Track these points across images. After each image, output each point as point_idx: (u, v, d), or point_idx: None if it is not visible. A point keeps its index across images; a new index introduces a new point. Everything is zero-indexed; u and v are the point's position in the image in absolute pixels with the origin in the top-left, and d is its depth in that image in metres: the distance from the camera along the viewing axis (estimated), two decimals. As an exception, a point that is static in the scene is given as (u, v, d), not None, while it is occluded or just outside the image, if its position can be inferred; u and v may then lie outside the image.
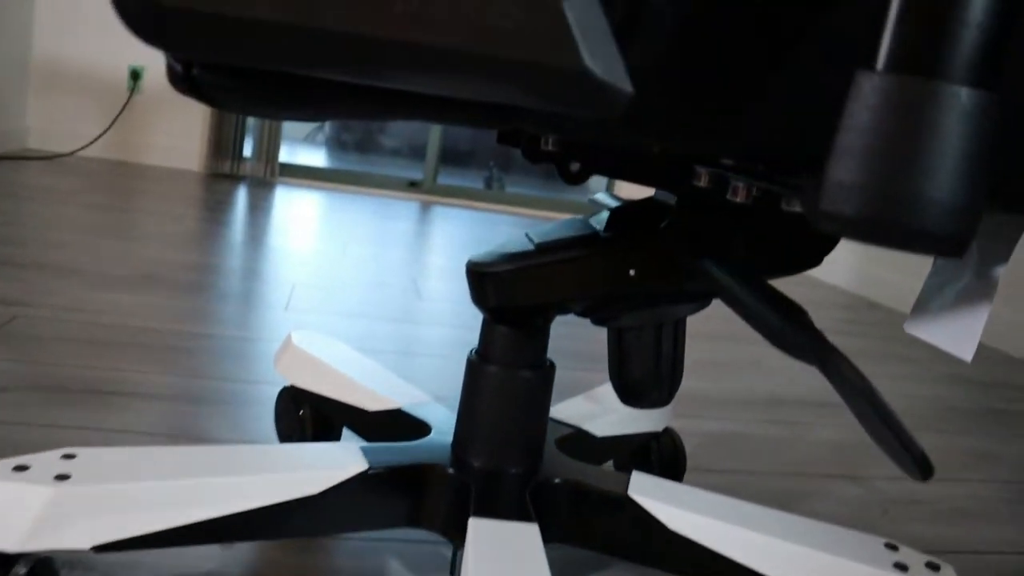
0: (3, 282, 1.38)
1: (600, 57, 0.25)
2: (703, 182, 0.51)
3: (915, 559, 0.59)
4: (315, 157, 5.52)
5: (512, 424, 0.60)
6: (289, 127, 6.08)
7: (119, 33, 3.00)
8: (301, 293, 1.62)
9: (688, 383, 1.39)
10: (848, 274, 2.71)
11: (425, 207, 3.32)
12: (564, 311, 0.59)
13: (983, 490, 1.10)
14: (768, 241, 0.53)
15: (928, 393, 1.56)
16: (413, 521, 0.60)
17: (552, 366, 0.62)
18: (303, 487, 0.57)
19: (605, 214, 0.58)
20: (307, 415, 0.85)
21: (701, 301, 0.58)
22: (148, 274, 1.58)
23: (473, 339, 1.49)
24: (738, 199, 0.46)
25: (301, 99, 0.39)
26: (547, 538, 0.62)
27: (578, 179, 0.56)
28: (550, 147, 0.55)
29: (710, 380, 1.42)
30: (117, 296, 1.40)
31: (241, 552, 0.70)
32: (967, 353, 0.59)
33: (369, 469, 0.58)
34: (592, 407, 0.79)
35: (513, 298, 0.58)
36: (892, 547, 0.60)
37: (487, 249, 0.61)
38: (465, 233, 2.83)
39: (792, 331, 0.44)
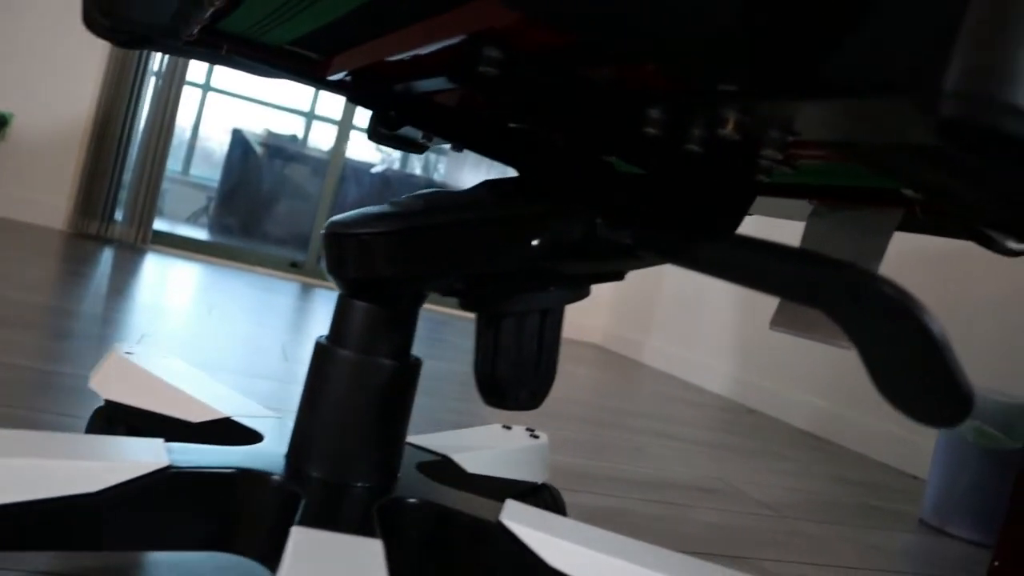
0: None
1: None
2: (655, 128, 0.42)
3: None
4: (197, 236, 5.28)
5: (365, 424, 0.49)
6: (173, 204, 5.85)
7: (-11, 76, 2.81)
8: (150, 342, 1.45)
9: (569, 459, 1.29)
10: (727, 382, 2.71)
11: (306, 288, 3.17)
12: (438, 289, 0.50)
13: (872, 579, 1.04)
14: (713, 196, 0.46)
15: (811, 487, 1.52)
16: (223, 542, 0.47)
17: (418, 361, 0.52)
18: (76, 482, 0.43)
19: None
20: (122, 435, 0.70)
21: (586, 286, 0.50)
22: (-29, 308, 1.38)
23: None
24: (726, 131, 0.37)
25: None
26: (400, 568, 0.50)
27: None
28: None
29: (591, 459, 1.33)
30: (-75, 323, 1.21)
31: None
32: (844, 342, 0.53)
33: (170, 467, 0.46)
34: (465, 441, 0.68)
35: (380, 267, 0.48)
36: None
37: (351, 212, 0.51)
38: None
39: (804, 268, 0.36)
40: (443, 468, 0.61)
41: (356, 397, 0.49)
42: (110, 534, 0.45)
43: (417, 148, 0.66)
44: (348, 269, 0.48)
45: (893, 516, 1.45)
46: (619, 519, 1.04)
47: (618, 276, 0.53)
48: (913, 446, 1.97)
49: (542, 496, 0.78)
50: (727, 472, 1.48)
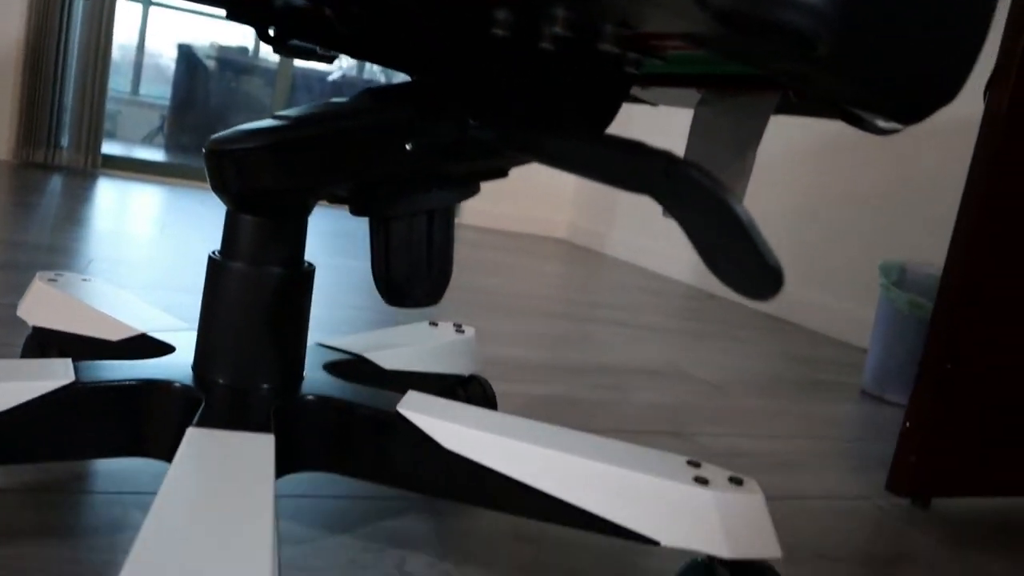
0: None
1: None
2: (503, 29, 0.43)
3: (717, 474, 0.54)
4: (154, 157, 5.19)
5: (261, 331, 0.51)
6: (126, 126, 5.71)
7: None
8: (98, 267, 1.45)
9: (518, 352, 1.33)
10: (688, 269, 2.76)
11: (265, 203, 3.14)
12: (323, 196, 0.51)
13: (806, 446, 1.09)
14: (571, 94, 0.47)
15: (758, 366, 1.57)
16: (135, 447, 0.50)
17: (311, 267, 0.54)
18: (-13, 403, 0.46)
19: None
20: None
21: (473, 184, 0.52)
22: (-88, 245, 1.38)
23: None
24: (556, 33, 0.38)
25: None
26: (302, 466, 0.53)
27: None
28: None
29: (540, 350, 1.37)
30: None
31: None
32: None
33: (76, 383, 0.48)
34: (386, 340, 0.71)
35: (260, 181, 0.49)
36: (694, 464, 0.55)
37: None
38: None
39: (629, 157, 0.37)
40: (356, 367, 0.64)
41: (250, 306, 0.51)
42: (24, 447, 0.47)
43: (323, 58, 0.66)
44: (231, 185, 0.50)
45: (836, 388, 1.51)
46: (559, 405, 1.08)
47: (501, 173, 0.54)
48: (864, 321, 2.03)
49: (470, 387, 0.81)
50: (676, 356, 1.53)
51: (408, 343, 0.72)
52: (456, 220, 2.97)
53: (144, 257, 1.61)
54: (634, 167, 0.35)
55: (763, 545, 0.51)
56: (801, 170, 2.34)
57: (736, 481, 0.53)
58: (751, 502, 0.51)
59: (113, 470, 0.66)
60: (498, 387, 1.11)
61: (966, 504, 0.96)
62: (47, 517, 0.58)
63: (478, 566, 0.61)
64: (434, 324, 0.83)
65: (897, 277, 1.51)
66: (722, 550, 0.50)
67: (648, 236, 3.05)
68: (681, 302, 2.31)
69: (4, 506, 0.58)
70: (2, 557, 0.52)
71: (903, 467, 0.91)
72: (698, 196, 0.32)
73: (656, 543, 0.50)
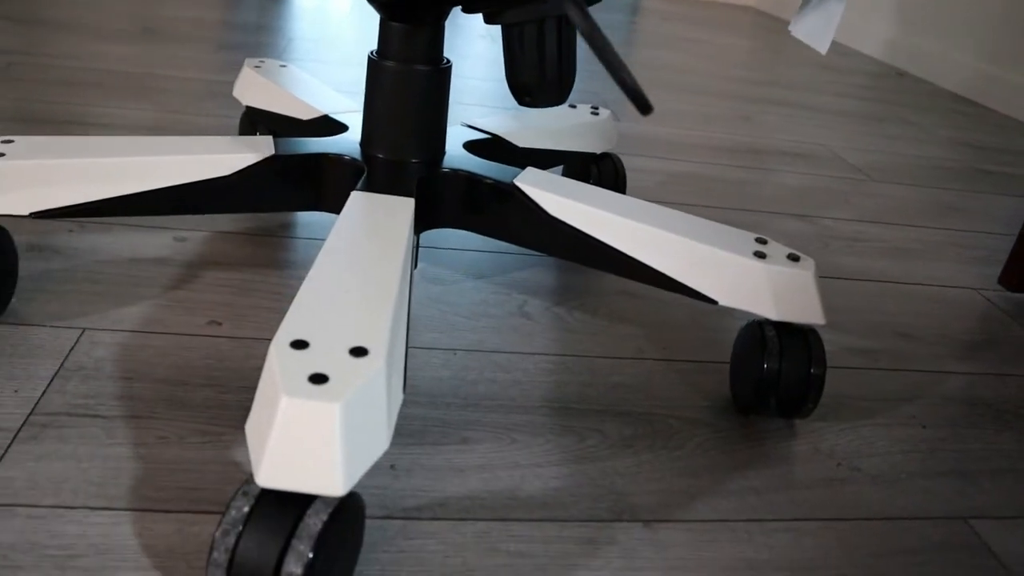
0: (1, 36, 1.42)
1: None
2: None
3: (777, 250, 0.64)
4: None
5: (408, 117, 0.65)
6: None
7: None
8: (298, 44, 1.63)
9: (670, 131, 1.40)
10: (880, 43, 2.60)
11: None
12: (456, 3, 0.61)
13: (932, 236, 1.13)
14: None
15: (919, 152, 1.55)
16: (317, 204, 0.67)
17: (449, 64, 0.65)
18: (217, 168, 0.63)
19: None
20: (261, 133, 0.91)
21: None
22: (148, 28, 1.60)
23: (488, 99, 1.51)
24: None
25: None
26: (441, 223, 0.68)
27: None
28: None
29: (694, 130, 1.43)
30: (113, 47, 1.44)
31: (194, 244, 0.78)
32: (822, 47, 0.62)
33: (276, 155, 0.64)
34: (520, 120, 0.83)
35: (404, -8, 0.60)
36: (761, 241, 0.65)
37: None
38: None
39: None
40: (493, 145, 0.77)
41: (400, 97, 0.64)
42: (242, 202, 0.65)
43: None
44: (381, -5, 0.61)
45: (1003, 180, 1.47)
46: (692, 182, 1.17)
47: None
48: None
49: (602, 164, 0.92)
50: (834, 139, 1.54)
51: (542, 124, 0.83)
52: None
53: (337, 35, 1.77)
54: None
55: (808, 312, 0.61)
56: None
57: (794, 258, 0.63)
58: (800, 275, 0.61)
59: (306, 222, 0.85)
60: (639, 163, 1.21)
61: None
62: (261, 252, 0.78)
63: (585, 312, 0.76)
64: (572, 106, 0.93)
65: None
66: (770, 312, 0.61)
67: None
68: (863, 79, 2.22)
69: (232, 243, 0.79)
70: (230, 278, 0.72)
71: (1018, 260, 0.94)
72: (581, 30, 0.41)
73: (715, 302, 0.62)
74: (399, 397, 0.43)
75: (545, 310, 0.75)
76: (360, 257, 0.50)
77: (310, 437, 0.37)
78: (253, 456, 0.38)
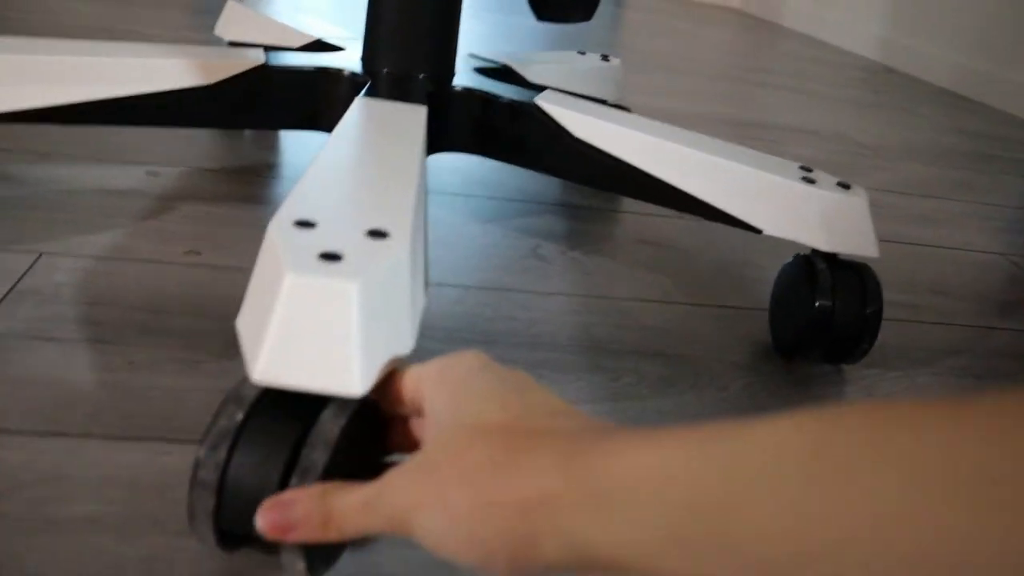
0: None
1: None
2: None
3: (825, 178, 0.58)
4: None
5: (417, 27, 0.58)
6: None
7: None
8: None
9: (671, 103, 1.35)
10: (869, 41, 2.57)
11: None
12: None
13: (951, 207, 1.08)
14: None
15: (925, 136, 1.51)
16: (312, 122, 0.59)
17: (462, -32, 0.59)
18: (199, 76, 0.55)
19: None
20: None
21: None
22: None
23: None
24: None
25: None
26: (450, 145, 0.61)
27: None
28: None
29: (697, 105, 1.38)
30: (85, 5, 1.36)
31: (168, 179, 0.70)
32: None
33: (266, 65, 0.57)
34: (531, 57, 0.76)
35: None
36: (807, 169, 0.59)
37: None
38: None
39: None
40: (504, 74, 0.70)
41: (408, 7, 0.57)
42: (226, 115, 0.57)
43: None
44: None
45: (1011, 163, 1.44)
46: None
47: None
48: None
49: (612, 115, 0.86)
50: (839, 120, 1.49)
51: (552, 64, 0.77)
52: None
53: None
54: None
55: (860, 243, 0.55)
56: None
57: (843, 186, 0.57)
58: (853, 203, 0.55)
59: (294, 162, 0.77)
60: (645, 132, 1.15)
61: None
62: (243, 188, 0.70)
63: (603, 256, 0.69)
64: (582, 53, 0.86)
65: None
66: (819, 242, 0.54)
67: (827, 4, 2.83)
68: (855, 73, 2.19)
69: (211, 179, 0.71)
70: (210, 211, 0.65)
71: (1050, 222, 0.89)
72: None
73: (759, 231, 0.55)
74: (422, 299, 0.36)
75: (561, 254, 0.68)
76: (374, 142, 0.42)
77: (320, 324, 0.30)
78: (247, 351, 0.31)
